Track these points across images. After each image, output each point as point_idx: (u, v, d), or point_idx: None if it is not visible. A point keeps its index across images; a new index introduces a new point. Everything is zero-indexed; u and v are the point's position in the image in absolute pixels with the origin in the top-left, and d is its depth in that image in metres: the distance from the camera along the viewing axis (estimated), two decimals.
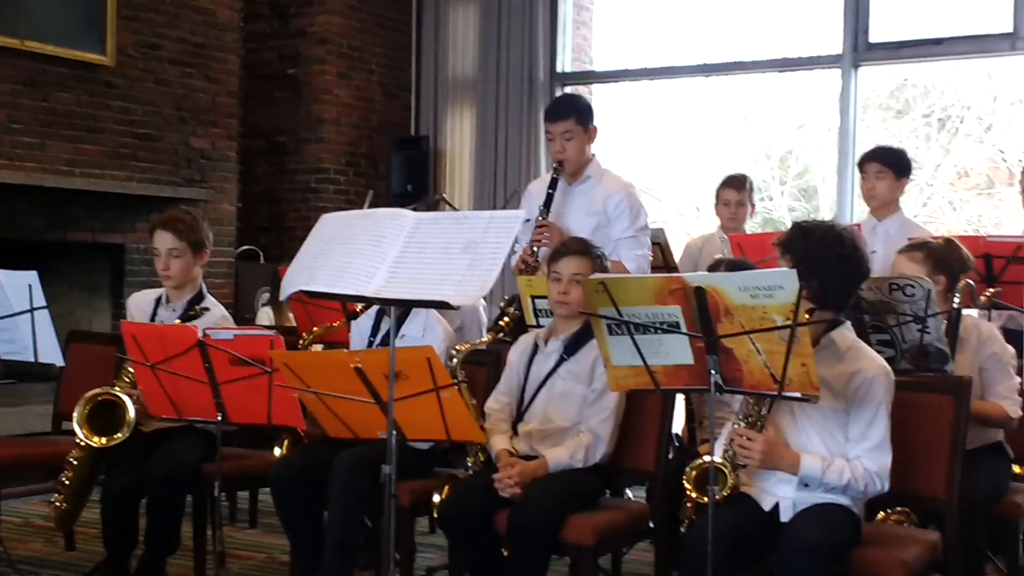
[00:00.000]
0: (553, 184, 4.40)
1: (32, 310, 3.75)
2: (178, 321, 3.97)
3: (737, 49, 14.54)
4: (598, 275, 3.12)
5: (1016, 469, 3.87)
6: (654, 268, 4.88)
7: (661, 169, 15.58)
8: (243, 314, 7.11)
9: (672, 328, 2.82)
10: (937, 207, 14.04)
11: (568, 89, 8.08)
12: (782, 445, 2.97)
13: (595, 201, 4.49)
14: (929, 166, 13.81)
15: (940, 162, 13.83)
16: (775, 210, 14.42)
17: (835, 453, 2.98)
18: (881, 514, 3.48)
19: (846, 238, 3.08)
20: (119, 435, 3.83)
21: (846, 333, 3.06)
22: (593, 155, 4.57)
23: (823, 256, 3.01)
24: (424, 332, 3.90)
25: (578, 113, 4.45)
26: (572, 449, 3.54)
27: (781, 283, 2.69)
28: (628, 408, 3.63)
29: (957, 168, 13.86)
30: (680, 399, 4.07)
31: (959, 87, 13.54)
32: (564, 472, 3.50)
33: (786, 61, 8.40)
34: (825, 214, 9.39)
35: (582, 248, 3.66)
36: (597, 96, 8.82)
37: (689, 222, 14.20)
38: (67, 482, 3.98)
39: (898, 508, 3.47)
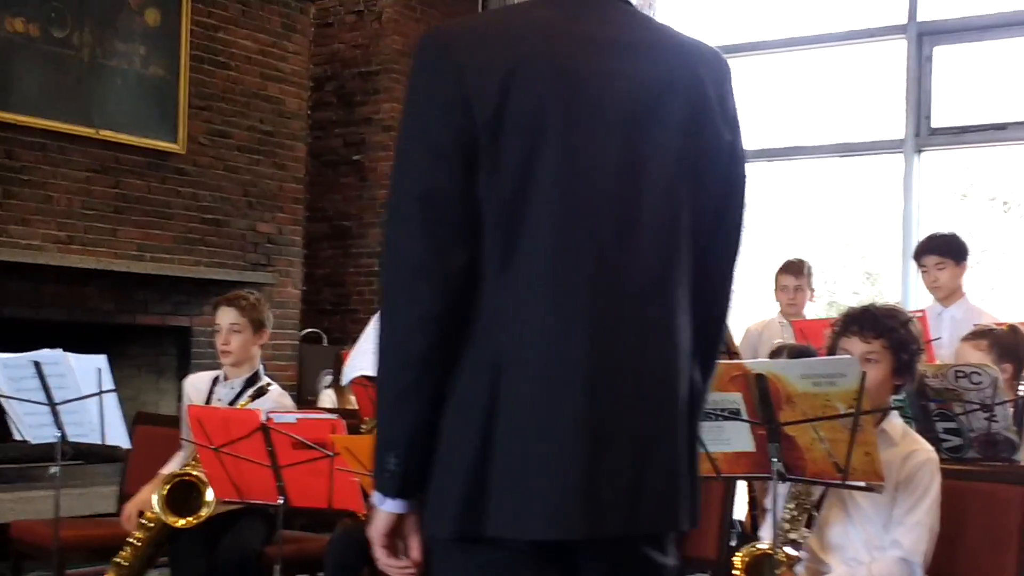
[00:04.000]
0: None
1: (100, 393, 3.82)
2: (243, 403, 4.02)
3: (798, 134, 14.57)
4: None
5: None
6: None
7: None
8: (306, 396, 7.16)
9: (733, 415, 2.81)
10: (1005, 292, 13.86)
11: None
12: None
13: None
14: (996, 251, 13.68)
15: (1007, 247, 13.69)
16: (839, 294, 14.33)
17: (872, 547, 2.94)
18: None
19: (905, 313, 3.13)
20: (203, 512, 3.87)
21: (895, 421, 3.04)
22: None
23: (911, 332, 3.05)
24: None
25: None
26: None
27: (844, 371, 2.68)
28: None
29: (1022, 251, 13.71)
30: (742, 486, 4.03)
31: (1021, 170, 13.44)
32: None
33: (848, 146, 8.43)
34: (891, 298, 9.32)
35: None
36: None
37: (753, 308, 14.18)
38: (123, 563, 3.98)
39: None
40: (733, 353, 5.21)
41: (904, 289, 6.92)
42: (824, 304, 13.84)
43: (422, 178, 1.66)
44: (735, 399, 2.80)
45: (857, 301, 13.54)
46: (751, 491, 4.13)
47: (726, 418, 2.81)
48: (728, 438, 2.86)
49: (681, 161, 1.73)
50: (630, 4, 1.81)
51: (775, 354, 4.26)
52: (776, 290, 5.66)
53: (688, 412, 1.76)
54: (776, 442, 2.79)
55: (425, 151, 1.67)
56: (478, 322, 1.67)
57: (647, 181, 1.71)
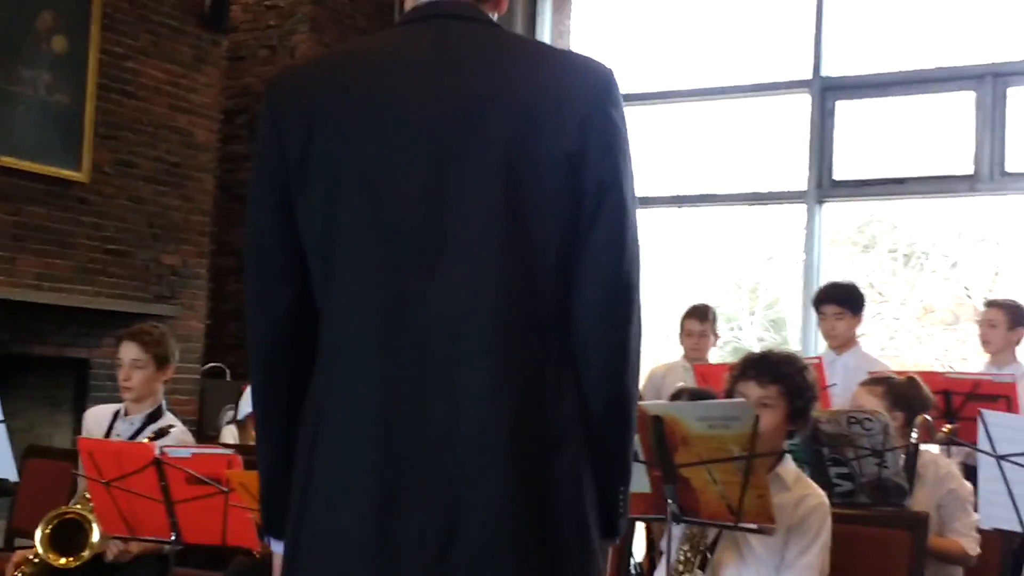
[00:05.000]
0: None
1: None
2: (147, 438, 3.94)
3: (708, 181, 14.83)
4: None
5: None
6: None
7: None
8: (207, 432, 7.05)
9: None
10: (904, 341, 14.20)
11: None
12: None
13: None
14: (895, 300, 14.01)
15: (906, 297, 14.03)
16: (744, 339, 14.53)
17: None
18: None
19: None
20: (85, 554, 3.77)
21: (789, 466, 3.09)
22: None
23: (806, 379, 3.09)
24: None
25: None
26: None
27: (738, 414, 2.73)
28: None
29: (923, 303, 14.06)
30: (641, 528, 4.06)
31: (925, 224, 13.82)
32: None
33: (755, 195, 8.63)
34: (794, 344, 9.51)
35: None
36: None
37: (659, 350, 14.31)
38: None
39: None
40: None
41: (805, 336, 7.05)
42: (730, 349, 14.06)
43: (249, 225, 1.76)
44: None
45: (761, 347, 13.78)
46: (649, 532, 4.15)
47: None
48: None
49: (507, 179, 1.64)
50: (482, 22, 1.76)
51: (675, 397, 4.30)
52: (681, 334, 5.75)
53: (532, 455, 1.62)
54: (671, 483, 2.82)
55: (252, 198, 1.76)
56: (319, 360, 1.72)
57: (458, 205, 1.64)
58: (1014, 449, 2.71)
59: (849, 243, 14.12)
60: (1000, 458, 2.72)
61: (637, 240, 1.71)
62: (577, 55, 1.80)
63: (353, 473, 1.63)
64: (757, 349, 11.78)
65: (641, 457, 2.82)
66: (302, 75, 1.80)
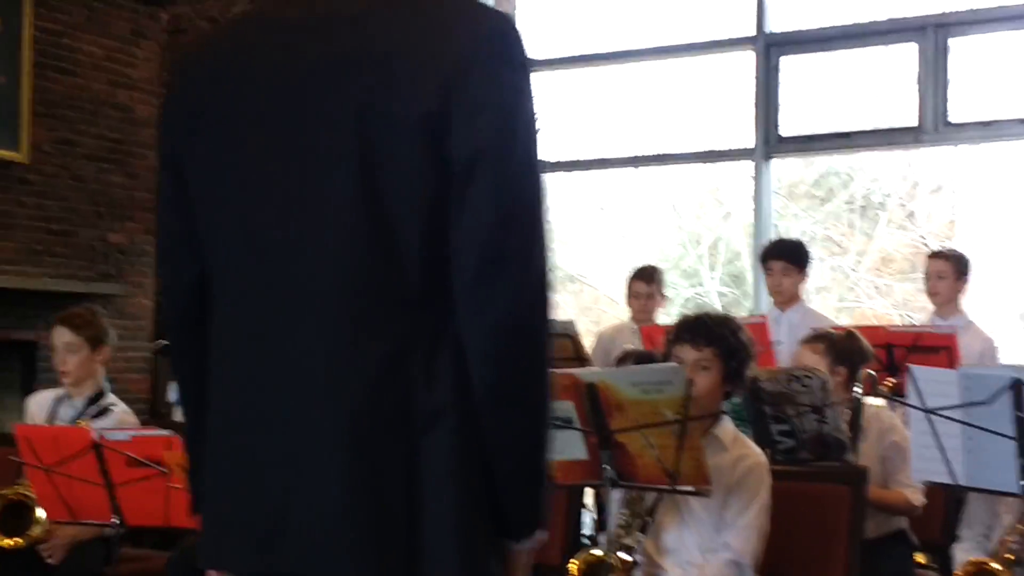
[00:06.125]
0: None
1: None
2: (81, 422, 3.91)
3: (662, 140, 14.83)
4: None
5: (919, 558, 3.90)
6: (565, 360, 4.91)
7: (594, 257, 15.75)
8: (160, 409, 7.00)
9: (566, 424, 2.84)
10: (863, 292, 14.30)
11: None
12: None
13: None
14: (853, 252, 14.09)
15: (864, 248, 14.12)
16: (706, 296, 14.61)
17: (705, 550, 3.00)
18: None
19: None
20: (34, 532, 3.75)
21: (727, 427, 3.10)
22: None
23: (741, 340, 3.10)
24: None
25: None
26: None
27: (671, 378, 2.73)
28: None
29: (881, 254, 14.16)
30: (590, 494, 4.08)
31: (880, 175, 13.89)
32: None
33: (708, 154, 8.64)
34: (750, 299, 9.56)
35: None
36: None
37: (621, 310, 14.37)
38: None
39: None
40: (583, 358, 5.28)
41: (758, 291, 7.07)
42: (693, 306, 14.12)
43: (159, 195, 1.79)
44: (567, 407, 2.82)
45: (723, 302, 13.73)
46: (598, 498, 4.17)
47: (558, 427, 2.83)
48: (562, 446, 2.88)
49: (361, 145, 1.52)
50: None
51: (622, 360, 4.32)
52: (628, 296, 5.75)
53: (384, 444, 1.51)
54: (608, 449, 2.83)
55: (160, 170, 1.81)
56: None
57: (310, 178, 1.54)
58: (943, 402, 2.73)
59: (807, 196, 14.18)
60: (929, 412, 2.74)
61: (527, 208, 1.53)
62: (466, 4, 1.61)
63: (217, 457, 1.64)
64: (719, 305, 11.78)
65: (577, 424, 2.82)
66: (198, 48, 1.80)
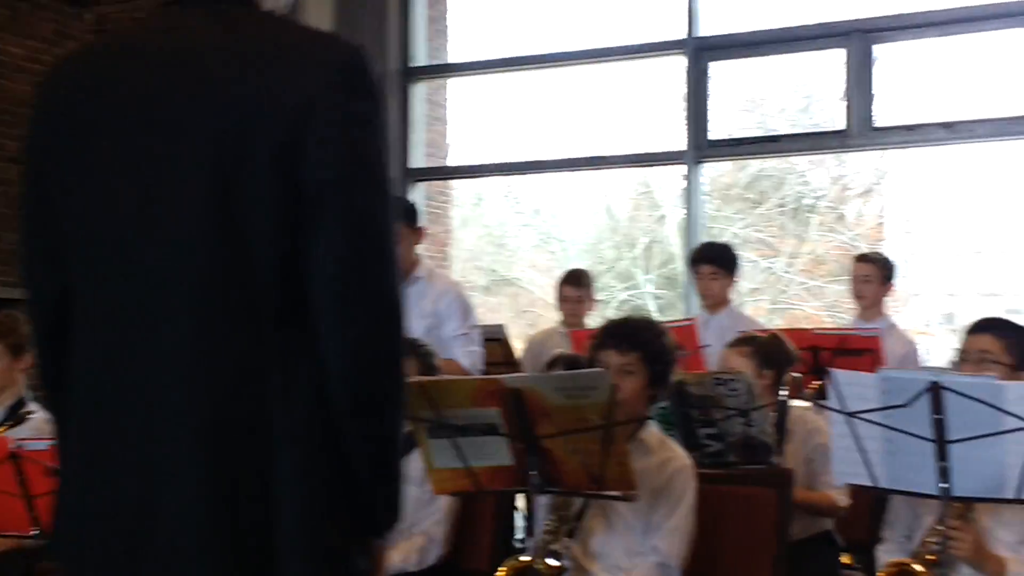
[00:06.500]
0: None
1: None
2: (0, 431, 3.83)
3: (598, 144, 14.90)
4: (417, 378, 3.11)
5: (845, 559, 3.94)
6: (495, 364, 4.92)
7: (529, 260, 15.77)
8: None
9: (491, 430, 2.82)
10: (795, 294, 14.47)
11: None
12: None
13: (427, 303, 4.54)
14: (785, 254, 14.26)
15: (796, 250, 14.29)
16: (641, 298, 14.69)
17: (633, 553, 3.01)
18: None
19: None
20: None
21: (652, 430, 3.11)
22: (419, 256, 4.65)
23: (665, 344, 3.11)
24: None
25: (407, 215, 4.52)
26: (405, 552, 3.49)
27: (595, 383, 2.72)
28: (465, 508, 3.60)
29: (813, 256, 14.34)
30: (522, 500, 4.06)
31: (811, 178, 14.07)
32: None
33: (640, 157, 8.68)
34: (683, 302, 9.64)
35: (407, 349, 3.65)
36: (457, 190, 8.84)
37: (557, 313, 14.38)
38: None
39: None
40: (512, 363, 5.28)
41: (689, 294, 7.12)
42: (629, 308, 14.19)
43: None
44: (492, 414, 2.81)
45: (658, 305, 13.79)
46: (530, 503, 4.16)
47: (484, 433, 2.82)
48: (488, 452, 2.87)
49: (216, 176, 1.60)
50: (221, 2, 1.70)
51: (552, 364, 4.33)
52: (558, 300, 5.76)
53: (239, 457, 1.59)
54: (534, 455, 2.82)
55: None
56: None
57: (168, 206, 1.62)
58: (864, 405, 2.75)
59: (740, 199, 14.32)
60: (849, 415, 2.77)
61: (377, 234, 1.62)
62: (319, 37, 1.70)
63: (78, 471, 1.68)
64: (654, 307, 11.81)
65: (503, 430, 2.81)
66: (61, 73, 1.80)
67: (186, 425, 1.59)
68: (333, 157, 1.59)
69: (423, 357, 3.66)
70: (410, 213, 4.57)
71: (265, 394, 1.59)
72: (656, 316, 13.17)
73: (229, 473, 1.58)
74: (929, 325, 14.35)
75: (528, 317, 14.45)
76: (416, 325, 4.40)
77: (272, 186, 1.58)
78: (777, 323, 13.21)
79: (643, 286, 14.77)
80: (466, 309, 4.61)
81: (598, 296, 6.12)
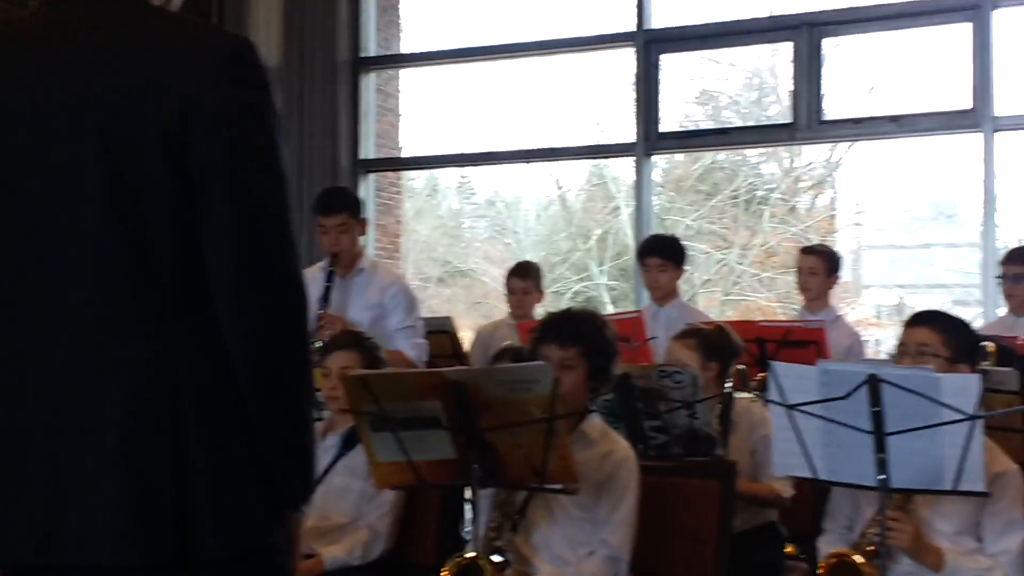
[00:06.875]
0: (330, 277, 4.41)
1: None
2: None
3: (551, 135, 14.91)
4: (359, 372, 3.10)
5: (789, 549, 3.96)
6: (443, 357, 4.91)
7: (484, 252, 15.77)
8: None
9: (433, 423, 2.81)
10: (748, 286, 14.56)
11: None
12: None
13: (371, 294, 4.54)
14: (738, 246, 14.34)
15: (748, 242, 14.37)
16: (595, 290, 14.72)
17: (576, 544, 3.01)
18: None
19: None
20: None
21: (594, 422, 3.12)
22: (363, 247, 4.66)
23: (606, 337, 3.11)
24: None
25: (351, 206, 4.52)
26: (350, 546, 3.47)
27: (537, 377, 2.72)
28: (410, 501, 3.59)
29: (765, 248, 14.43)
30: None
31: (763, 171, 14.16)
32: (341, 570, 3.43)
33: (592, 149, 8.70)
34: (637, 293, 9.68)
35: (351, 342, 3.64)
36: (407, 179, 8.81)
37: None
38: None
39: None
40: (460, 355, 5.27)
41: (640, 285, 7.15)
42: (583, 299, 14.21)
43: None
44: (434, 407, 2.80)
45: (612, 296, 13.78)
46: (475, 496, 4.15)
47: (426, 427, 2.81)
48: (431, 446, 2.86)
49: (107, 169, 1.63)
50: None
51: (498, 356, 4.32)
52: (507, 293, 5.76)
53: (148, 442, 1.63)
54: (476, 449, 2.81)
55: None
56: None
57: (63, 203, 1.65)
58: (804, 398, 2.77)
59: (693, 191, 14.38)
60: (790, 407, 2.79)
61: (270, 220, 1.66)
62: (206, 29, 1.74)
63: None
64: (608, 298, 11.83)
65: (445, 424, 2.80)
66: None
67: (100, 419, 1.62)
68: (221, 147, 1.63)
69: (369, 350, 3.64)
70: (353, 204, 4.57)
71: (174, 383, 1.63)
72: (610, 308, 13.22)
73: (142, 455, 1.62)
74: (880, 316, 14.51)
75: (482, 308, 14.44)
76: (360, 317, 4.40)
77: (163, 178, 1.62)
78: (730, 314, 13.30)
79: (597, 277, 14.80)
80: (411, 301, 4.63)
81: (553, 288, 6.13)
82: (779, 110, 6.96)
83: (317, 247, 4.90)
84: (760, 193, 14.15)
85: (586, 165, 14.39)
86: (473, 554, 2.94)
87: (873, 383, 2.66)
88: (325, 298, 4.41)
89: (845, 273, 11.67)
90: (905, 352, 3.10)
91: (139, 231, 1.63)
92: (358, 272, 4.55)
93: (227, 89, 1.64)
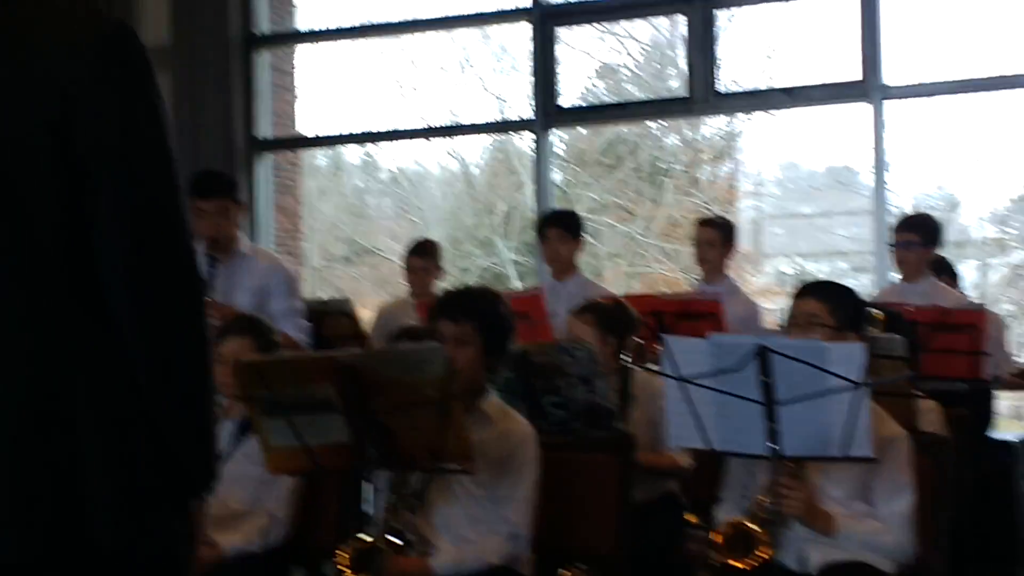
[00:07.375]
0: (213, 263, 4.34)
1: None
2: None
3: (452, 111, 14.85)
4: (249, 358, 3.05)
5: (690, 518, 4.01)
6: (343, 338, 4.87)
7: (390, 229, 15.67)
8: None
9: (326, 407, 2.78)
10: (652, 257, 14.69)
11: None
12: None
13: (253, 278, 4.49)
14: (642, 218, 14.45)
15: (652, 214, 14.49)
16: (501, 266, 14.73)
17: (477, 522, 3.02)
18: (561, 571, 3.53)
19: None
20: None
21: (492, 400, 3.12)
22: (241, 232, 4.61)
23: (500, 313, 3.11)
24: None
25: (230, 190, 4.48)
26: (249, 533, 3.42)
27: (430, 357, 2.71)
28: (310, 483, 3.56)
29: (668, 219, 14.56)
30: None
31: (665, 143, 14.28)
32: (242, 557, 3.38)
33: (492, 124, 8.68)
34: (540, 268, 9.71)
35: (245, 327, 3.59)
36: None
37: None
38: None
39: (577, 565, 3.53)
40: (360, 336, 5.23)
41: (538, 262, 7.16)
42: (492, 275, 14.22)
43: None
44: (327, 391, 2.77)
45: (518, 271, 13.78)
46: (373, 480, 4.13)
47: (318, 410, 2.78)
48: (325, 430, 2.83)
49: None
50: None
51: (397, 336, 4.29)
52: (406, 271, 5.73)
53: (41, 431, 1.60)
54: (371, 431, 2.79)
55: None
56: None
57: None
58: (696, 370, 2.80)
59: (596, 164, 14.45)
60: (682, 380, 2.81)
61: (159, 205, 1.63)
62: (81, 13, 1.67)
63: None
64: (514, 273, 11.81)
65: (338, 407, 2.77)
66: None
67: None
68: (106, 134, 1.59)
69: (263, 334, 3.59)
70: (232, 188, 4.51)
71: (68, 373, 1.60)
72: (517, 284, 13.24)
73: (31, 451, 1.58)
74: (783, 286, 14.75)
75: (389, 287, 14.36)
76: (243, 301, 4.36)
77: (48, 172, 1.58)
78: (635, 286, 13.42)
79: (503, 253, 14.81)
80: (292, 284, 4.62)
81: (459, 264, 6.11)
82: (679, 84, 7.00)
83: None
84: (663, 165, 14.26)
85: (489, 140, 14.38)
86: (371, 538, 2.92)
87: (762, 354, 2.70)
88: (209, 284, 4.33)
89: (746, 243, 11.83)
90: (795, 323, 3.15)
91: (25, 224, 1.58)
92: (240, 256, 4.50)
93: (107, 73, 1.60)
